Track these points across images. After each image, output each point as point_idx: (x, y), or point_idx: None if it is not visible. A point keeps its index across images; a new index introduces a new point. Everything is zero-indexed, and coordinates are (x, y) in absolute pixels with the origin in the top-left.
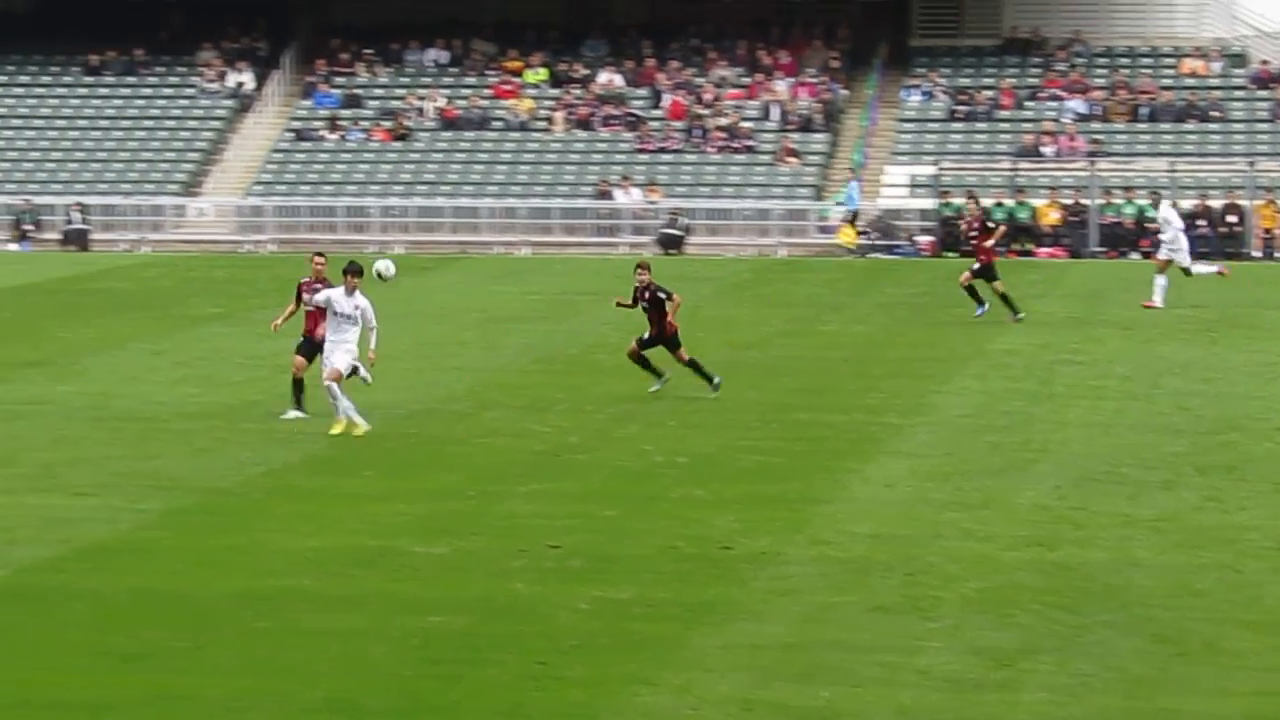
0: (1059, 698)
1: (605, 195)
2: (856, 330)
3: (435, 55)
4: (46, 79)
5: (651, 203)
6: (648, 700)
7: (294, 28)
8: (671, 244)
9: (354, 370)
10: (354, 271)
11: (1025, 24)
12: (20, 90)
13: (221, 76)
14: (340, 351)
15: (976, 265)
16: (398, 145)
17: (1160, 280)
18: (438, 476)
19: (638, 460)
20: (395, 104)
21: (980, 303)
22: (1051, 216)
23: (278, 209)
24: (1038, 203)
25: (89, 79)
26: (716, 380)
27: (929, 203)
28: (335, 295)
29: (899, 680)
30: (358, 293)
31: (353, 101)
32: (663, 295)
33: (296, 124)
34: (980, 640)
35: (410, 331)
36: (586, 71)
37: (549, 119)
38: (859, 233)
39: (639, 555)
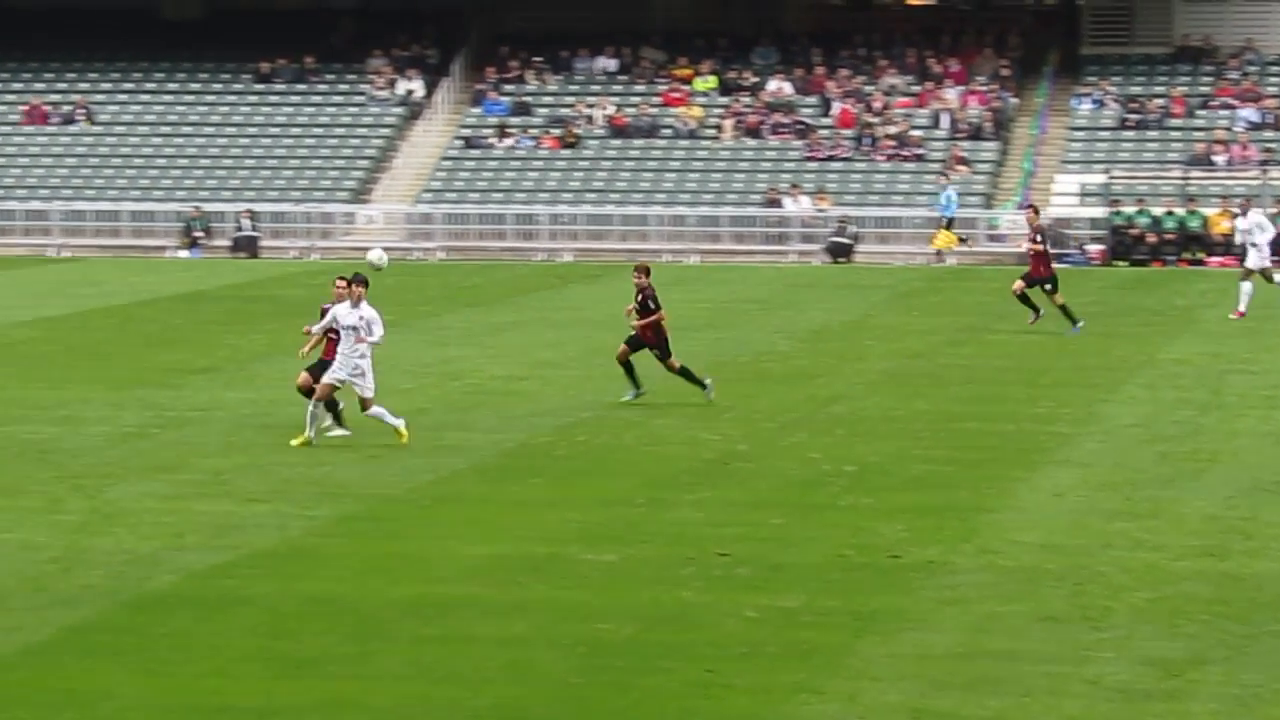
0: (1228, 708)
1: (774, 203)
2: (1025, 339)
3: (605, 63)
4: (217, 86)
5: (820, 211)
6: (815, 709)
7: (464, 35)
8: (840, 252)
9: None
10: (358, 281)
11: (1196, 32)
12: (191, 98)
13: (391, 84)
14: (340, 366)
15: (1039, 275)
16: (566, 153)
17: (1245, 286)
18: (606, 484)
19: (806, 468)
20: (564, 112)
21: (1035, 310)
22: (1222, 226)
23: (447, 216)
24: (1209, 212)
25: (259, 86)
26: (708, 382)
27: (1099, 211)
28: (339, 310)
29: (1067, 690)
30: (364, 303)
31: (522, 109)
32: (652, 305)
33: (466, 131)
34: (1149, 650)
35: (578, 339)
36: (756, 79)
37: (718, 127)
38: (959, 239)
39: (807, 563)
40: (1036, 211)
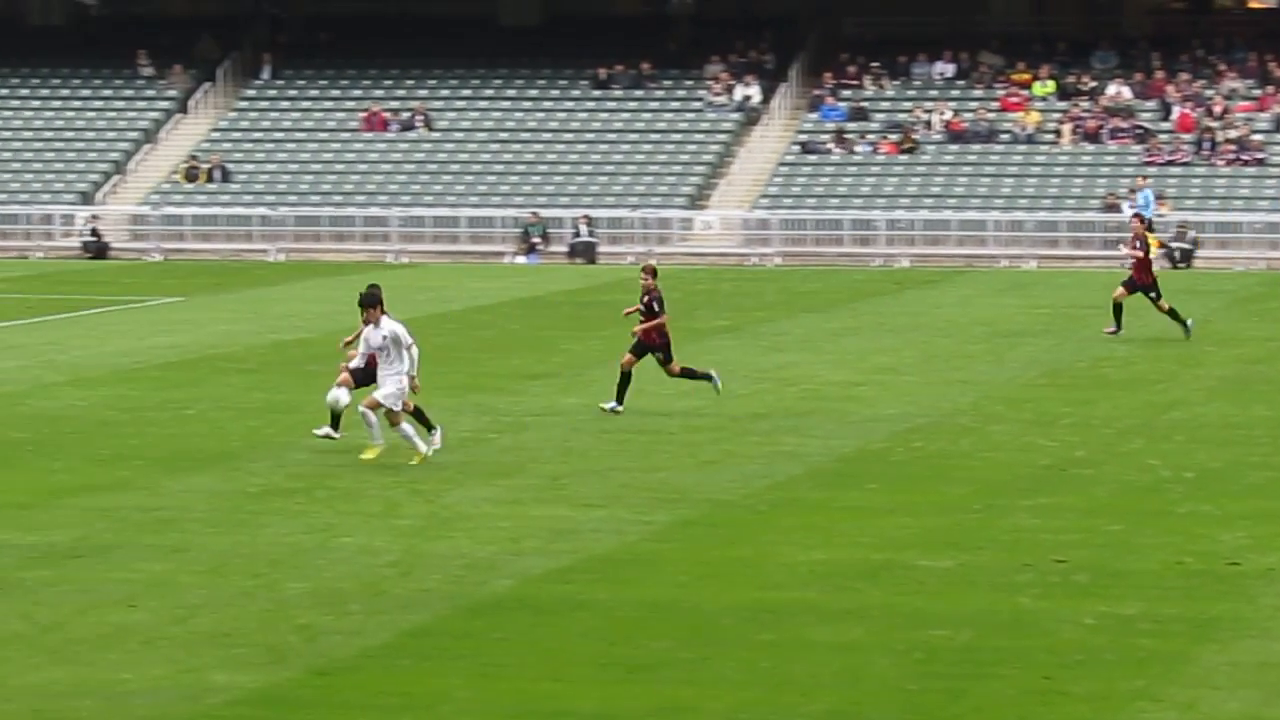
0: None
1: (1113, 208)
2: None
3: (942, 68)
4: (554, 92)
5: (1159, 215)
6: (1153, 716)
7: (801, 41)
8: (1180, 258)
9: (430, 427)
10: (367, 304)
11: None
12: (528, 104)
13: (728, 90)
14: (390, 381)
15: (1142, 281)
16: (904, 158)
17: None
18: (943, 490)
19: (1144, 475)
20: (902, 117)
21: (1118, 324)
22: None
23: (784, 222)
24: None
25: (596, 92)
26: (712, 373)
27: None
28: (366, 333)
29: None
30: (385, 320)
31: (859, 114)
32: (657, 307)
33: (803, 137)
34: None
35: (915, 345)
36: (1094, 83)
37: (1056, 131)
38: (1159, 244)
39: (1145, 570)
40: (1142, 220)
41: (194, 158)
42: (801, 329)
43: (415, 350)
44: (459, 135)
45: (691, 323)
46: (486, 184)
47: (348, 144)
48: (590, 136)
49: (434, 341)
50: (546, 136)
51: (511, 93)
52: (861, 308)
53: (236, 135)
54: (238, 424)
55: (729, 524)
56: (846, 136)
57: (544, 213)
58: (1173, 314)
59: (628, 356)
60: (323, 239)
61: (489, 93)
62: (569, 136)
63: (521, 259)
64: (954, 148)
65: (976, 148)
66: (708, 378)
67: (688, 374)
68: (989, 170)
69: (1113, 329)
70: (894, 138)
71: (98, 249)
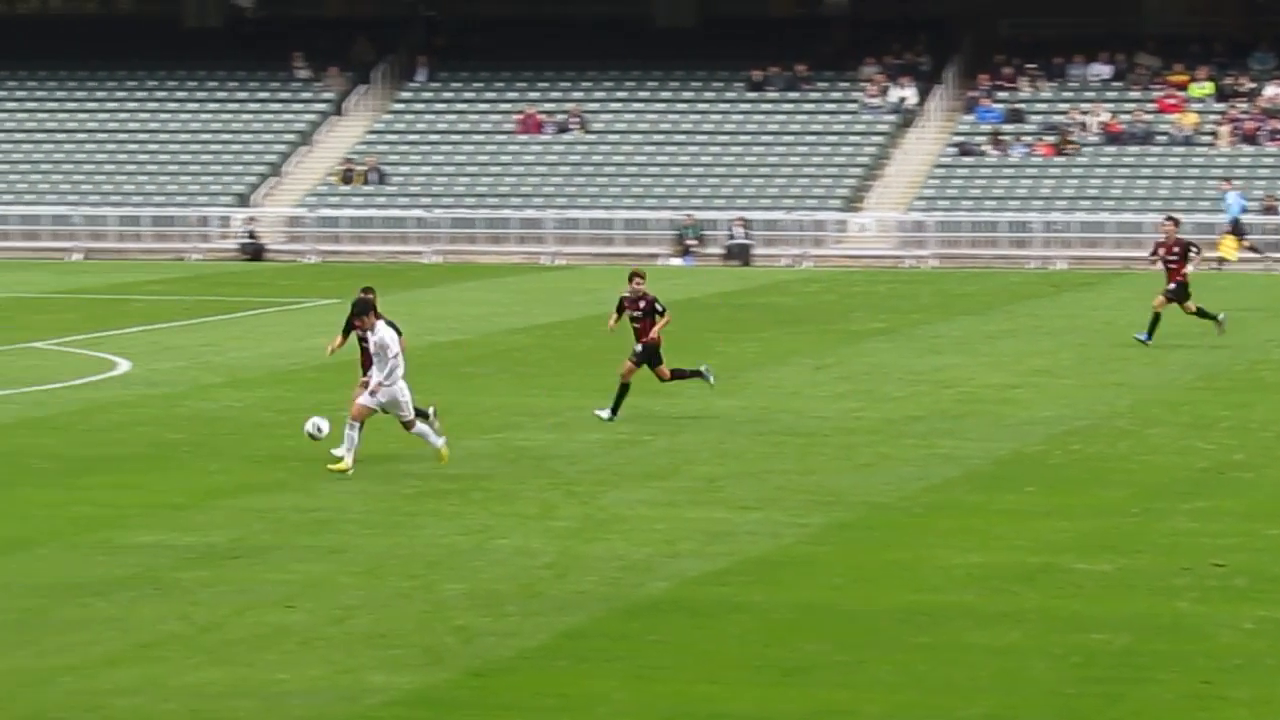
0: None
1: (1271, 210)
2: None
3: (1098, 69)
4: (710, 94)
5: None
6: None
7: (957, 43)
8: None
9: (424, 414)
10: (359, 311)
11: None
12: (683, 106)
13: (884, 92)
14: (393, 395)
15: (1171, 287)
16: (1060, 160)
17: None
18: (1100, 493)
19: None
20: (1058, 119)
21: (1150, 333)
22: None
23: (939, 224)
24: None
25: (751, 94)
26: (704, 369)
27: None
28: (368, 337)
29: None
30: (379, 326)
31: (1015, 116)
32: (659, 308)
33: (959, 139)
34: None
35: (1072, 347)
36: (1253, 85)
37: (1214, 133)
38: (1244, 246)
39: None
40: (1176, 224)
41: (349, 160)
42: (957, 331)
43: (399, 366)
44: (614, 137)
45: (847, 325)
46: (641, 186)
47: (503, 146)
48: (745, 138)
49: (587, 344)
50: (701, 138)
51: (667, 94)
52: (1018, 310)
53: (392, 137)
54: (394, 426)
55: (885, 527)
56: (1002, 138)
57: (699, 215)
58: (1201, 313)
59: (627, 365)
60: (478, 241)
61: (644, 94)
62: (724, 138)
63: (676, 261)
64: (1110, 149)
65: (1133, 149)
66: (698, 374)
67: (678, 375)
68: (1145, 172)
69: (1145, 337)
70: (1050, 139)
71: (254, 251)
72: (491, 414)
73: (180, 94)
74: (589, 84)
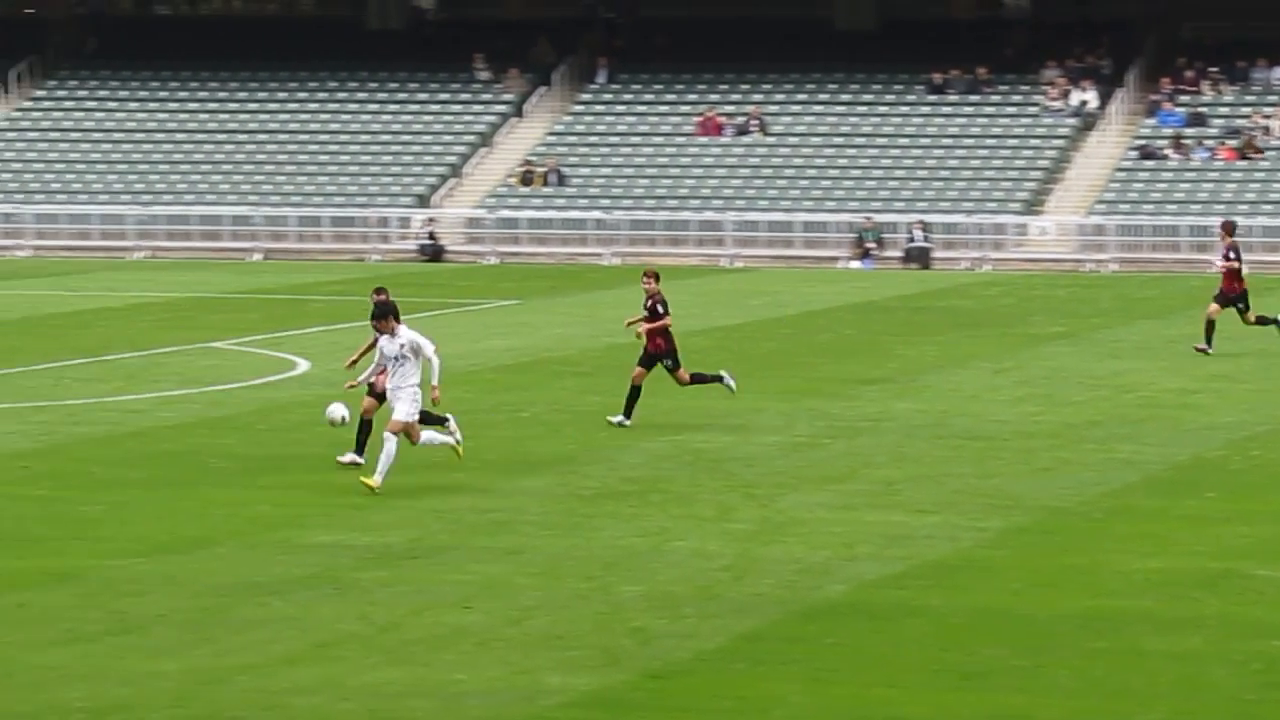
0: None
1: None
2: None
3: None
4: (890, 97)
5: None
6: None
7: (1139, 45)
8: None
9: (441, 420)
10: (378, 315)
11: None
12: (863, 108)
13: (1065, 95)
14: (402, 399)
15: (1223, 293)
16: (1243, 164)
17: None
18: None
19: None
20: (1240, 122)
21: (1208, 341)
22: None
23: (1120, 228)
24: None
25: (932, 97)
26: (724, 375)
27: None
28: (382, 342)
29: None
30: (401, 329)
31: (1197, 120)
32: (661, 309)
33: (1140, 142)
34: None
35: (1253, 352)
36: None
37: None
38: None
39: None
40: (1230, 230)
41: (529, 161)
42: (1138, 336)
43: (438, 361)
44: (794, 139)
45: (1027, 329)
46: (821, 189)
47: (683, 148)
48: (925, 141)
49: (768, 346)
50: (881, 141)
51: (847, 97)
52: (1199, 315)
53: (572, 139)
54: (572, 427)
55: (1064, 531)
56: (1184, 142)
57: (878, 218)
58: (1261, 321)
59: (637, 370)
60: (657, 243)
61: (824, 97)
62: (904, 141)
63: (856, 264)
64: None
65: None
66: (718, 380)
67: (698, 380)
68: None
69: (1203, 347)
70: (1233, 143)
71: (433, 252)
72: (669, 416)
73: (361, 95)
74: (769, 86)
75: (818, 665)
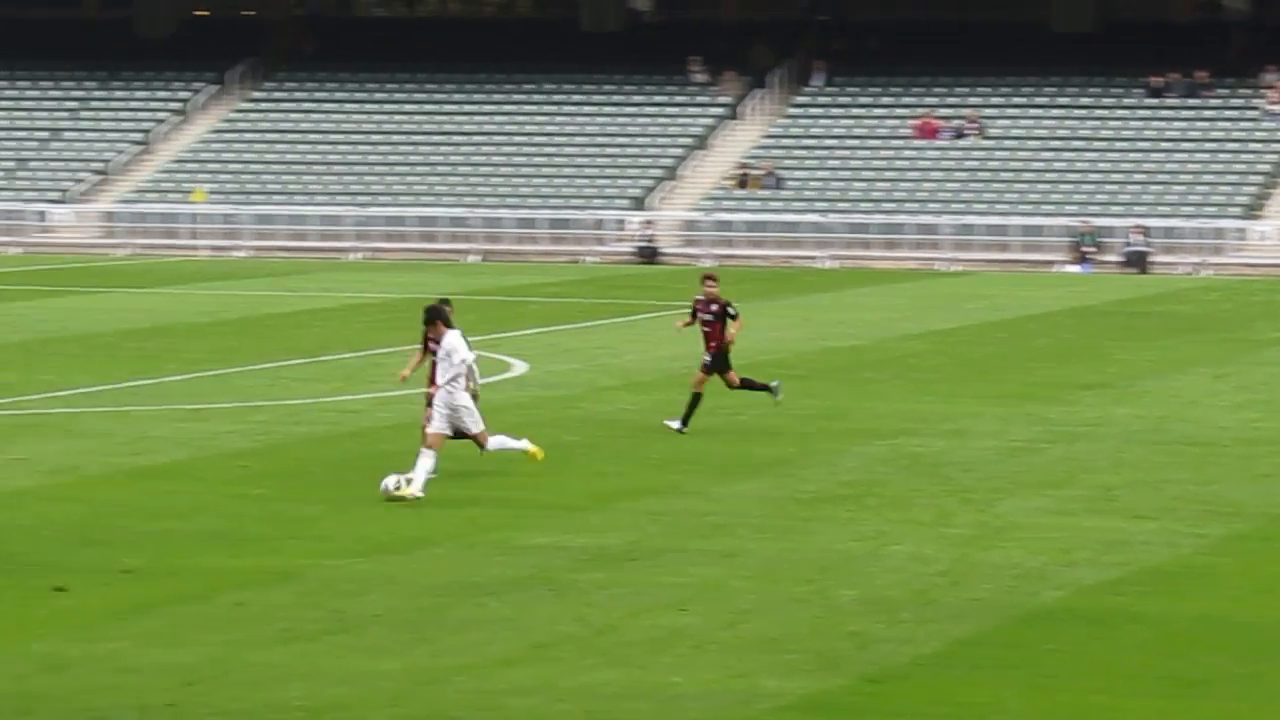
0: None
1: None
2: None
3: None
4: (1108, 100)
5: None
6: None
7: None
8: None
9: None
10: (429, 320)
11: None
12: (1081, 112)
13: None
14: (439, 409)
15: None
16: None
17: None
18: None
19: None
20: None
21: None
22: None
23: None
24: None
25: (1151, 101)
26: (774, 385)
27: None
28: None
29: None
30: (447, 335)
31: None
32: (731, 312)
33: None
34: None
35: None
36: None
37: None
38: None
39: None
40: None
41: (745, 164)
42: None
43: (474, 365)
44: (1011, 143)
45: (1248, 334)
46: (1039, 192)
47: (899, 151)
48: (1144, 145)
49: (985, 350)
50: (1099, 145)
51: (1065, 100)
52: None
53: (788, 142)
54: (789, 430)
55: None
56: None
57: (1096, 222)
58: None
59: (698, 376)
60: (873, 246)
61: (1042, 100)
62: (1122, 145)
63: (1073, 268)
64: None
65: None
66: (766, 388)
67: (748, 385)
68: None
69: None
70: None
71: (649, 254)
72: (886, 420)
73: (577, 97)
74: (986, 89)
75: (1036, 671)
